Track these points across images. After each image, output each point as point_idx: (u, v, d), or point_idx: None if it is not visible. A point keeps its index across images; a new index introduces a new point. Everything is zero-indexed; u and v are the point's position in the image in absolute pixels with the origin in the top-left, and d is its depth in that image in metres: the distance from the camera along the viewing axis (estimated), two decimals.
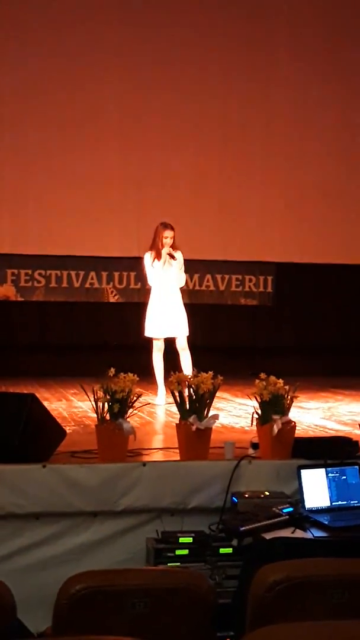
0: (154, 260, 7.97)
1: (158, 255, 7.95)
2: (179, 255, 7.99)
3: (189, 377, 4.83)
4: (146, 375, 7.12)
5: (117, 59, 11.01)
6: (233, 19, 11.30)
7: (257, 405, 4.81)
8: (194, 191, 11.21)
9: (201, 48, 11.21)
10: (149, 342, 8.15)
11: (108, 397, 4.53)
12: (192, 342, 8.17)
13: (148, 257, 8.02)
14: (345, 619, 2.43)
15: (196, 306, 10.97)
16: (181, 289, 8.24)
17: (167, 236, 7.95)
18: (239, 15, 11.32)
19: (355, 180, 11.68)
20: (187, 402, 4.72)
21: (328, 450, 4.73)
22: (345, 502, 4.55)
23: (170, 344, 8.11)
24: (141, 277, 11.25)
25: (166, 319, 7.98)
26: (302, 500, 4.46)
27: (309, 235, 11.54)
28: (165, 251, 7.90)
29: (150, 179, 11.08)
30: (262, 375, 4.84)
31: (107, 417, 4.56)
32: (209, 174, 11.32)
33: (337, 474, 4.58)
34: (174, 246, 7.99)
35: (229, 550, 4.29)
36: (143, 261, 8.11)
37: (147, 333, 8.07)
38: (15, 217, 10.82)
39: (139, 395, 4.65)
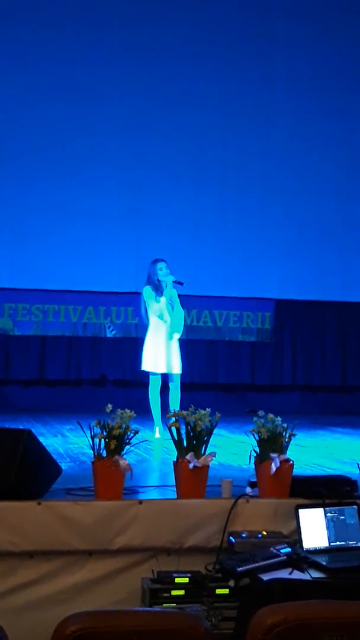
0: (156, 296, 7.97)
1: (156, 289, 7.95)
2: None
3: (187, 413, 4.79)
4: (144, 410, 7.08)
5: (117, 96, 11.12)
6: (232, 57, 11.43)
7: (255, 442, 4.76)
8: (193, 227, 11.27)
9: (201, 85, 11.33)
10: (147, 376, 8.12)
11: (105, 433, 4.49)
12: (189, 378, 8.14)
13: (149, 291, 8.00)
14: None
15: (194, 342, 10.97)
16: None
17: (161, 267, 7.97)
18: (238, 54, 11.46)
19: (354, 217, 11.74)
20: (185, 439, 4.68)
21: (326, 490, 4.68)
22: (343, 543, 4.49)
23: (165, 378, 8.08)
24: (139, 313, 11.29)
25: (163, 354, 7.96)
26: (300, 541, 4.40)
27: (308, 272, 11.58)
28: (170, 279, 7.91)
29: (149, 215, 11.13)
30: (260, 413, 4.80)
31: (104, 453, 4.52)
32: (208, 210, 11.39)
33: (336, 514, 4.53)
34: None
35: (226, 591, 4.22)
36: (142, 296, 8.09)
37: (144, 367, 8.05)
38: (14, 251, 10.85)
39: (136, 432, 4.61)
